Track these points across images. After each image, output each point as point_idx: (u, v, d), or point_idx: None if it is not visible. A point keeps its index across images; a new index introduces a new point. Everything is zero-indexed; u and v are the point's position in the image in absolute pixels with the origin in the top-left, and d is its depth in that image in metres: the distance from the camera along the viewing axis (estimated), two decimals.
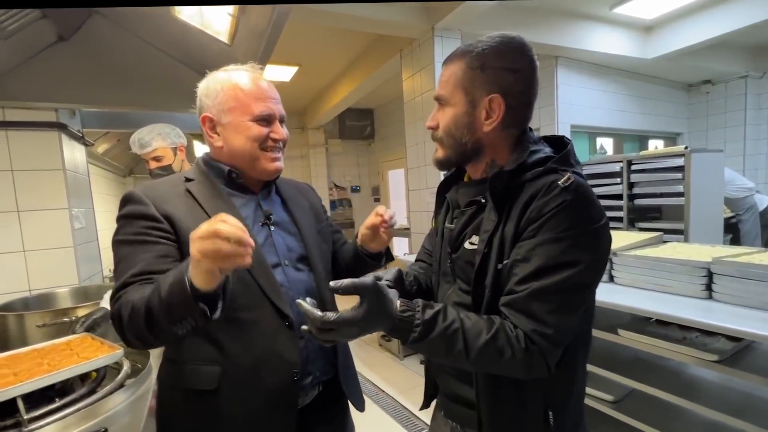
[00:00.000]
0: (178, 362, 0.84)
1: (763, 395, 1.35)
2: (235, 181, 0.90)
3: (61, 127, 1.72)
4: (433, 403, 0.93)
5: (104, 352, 0.99)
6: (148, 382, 1.09)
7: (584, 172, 0.74)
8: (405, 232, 3.67)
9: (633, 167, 2.72)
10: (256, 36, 1.33)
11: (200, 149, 2.85)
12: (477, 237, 0.73)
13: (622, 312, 1.51)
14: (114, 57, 1.68)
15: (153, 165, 1.73)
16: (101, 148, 2.92)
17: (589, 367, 1.57)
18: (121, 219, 0.80)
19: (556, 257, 0.62)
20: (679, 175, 2.46)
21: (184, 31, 1.43)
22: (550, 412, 0.70)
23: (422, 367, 3.34)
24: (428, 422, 0.98)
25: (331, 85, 4.72)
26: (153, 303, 0.64)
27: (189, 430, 0.84)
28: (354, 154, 6.47)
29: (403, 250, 3.89)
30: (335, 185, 6.32)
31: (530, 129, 0.77)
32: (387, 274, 0.82)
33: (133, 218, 0.78)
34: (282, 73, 4.11)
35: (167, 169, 1.72)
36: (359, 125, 6.08)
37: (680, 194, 2.47)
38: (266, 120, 0.86)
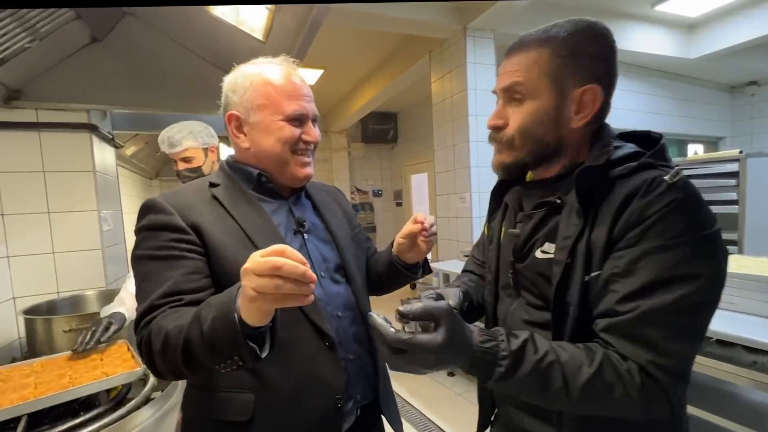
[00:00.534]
0: (205, 389, 0.75)
1: None
2: (264, 185, 0.82)
3: (92, 128, 1.71)
4: None
5: (126, 368, 0.93)
6: (175, 396, 1.03)
7: None
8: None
9: None
10: (292, 34, 1.28)
11: (224, 152, 2.83)
12: (551, 244, 0.63)
13: None
14: (145, 59, 1.67)
15: (181, 166, 1.59)
16: (129, 150, 2.94)
17: None
18: (142, 231, 0.71)
19: (670, 269, 0.51)
20: (732, 182, 2.29)
21: (217, 28, 1.39)
22: None
23: (450, 380, 3.17)
24: None
25: (356, 88, 4.69)
26: (193, 336, 0.56)
27: None
28: (376, 158, 6.42)
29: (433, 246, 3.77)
30: (357, 189, 6.28)
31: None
32: (448, 295, 0.72)
33: (156, 230, 0.70)
34: (307, 76, 4.10)
35: (196, 171, 1.58)
36: (382, 129, 6.03)
37: (734, 202, 2.30)
38: (299, 120, 0.78)
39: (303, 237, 0.83)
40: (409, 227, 0.88)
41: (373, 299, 0.94)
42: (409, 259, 0.92)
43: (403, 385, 2.94)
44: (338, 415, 0.75)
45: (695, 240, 0.52)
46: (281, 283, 0.48)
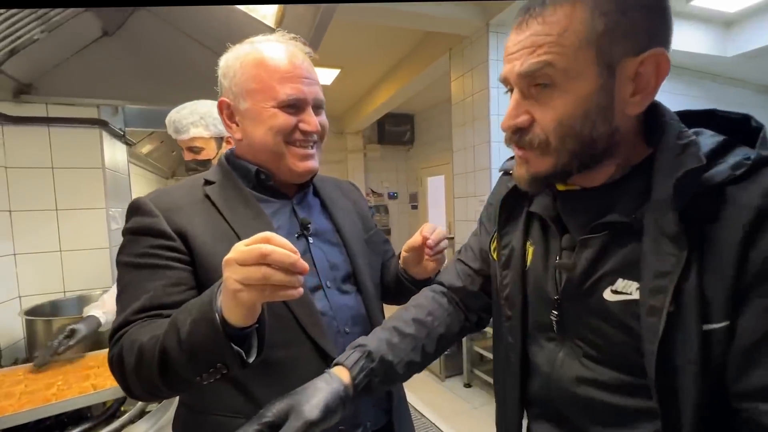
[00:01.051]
0: (196, 411, 0.67)
1: None
2: (264, 183, 0.72)
3: (103, 124, 1.67)
4: None
5: (114, 381, 0.87)
6: (172, 410, 0.95)
7: None
8: (448, 242, 3.46)
9: None
10: (306, 22, 1.20)
11: None
12: (628, 281, 0.47)
13: None
14: (157, 53, 1.63)
15: (188, 156, 1.35)
16: (145, 148, 2.93)
17: None
18: (126, 234, 0.64)
19: None
20: None
21: (229, 17, 1.33)
22: None
23: (467, 392, 3.01)
24: None
25: (373, 88, 4.62)
26: (170, 345, 0.48)
27: None
28: (392, 160, 6.33)
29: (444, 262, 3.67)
30: (372, 191, 6.21)
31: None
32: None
33: (139, 234, 0.63)
34: (323, 75, 4.04)
35: (205, 165, 1.33)
36: (399, 130, 5.94)
37: None
38: (294, 106, 0.68)
39: (307, 241, 0.73)
40: (413, 240, 0.77)
41: (387, 308, 0.84)
42: (417, 274, 0.81)
43: (417, 395, 2.83)
44: None
45: None
46: (269, 273, 0.41)
